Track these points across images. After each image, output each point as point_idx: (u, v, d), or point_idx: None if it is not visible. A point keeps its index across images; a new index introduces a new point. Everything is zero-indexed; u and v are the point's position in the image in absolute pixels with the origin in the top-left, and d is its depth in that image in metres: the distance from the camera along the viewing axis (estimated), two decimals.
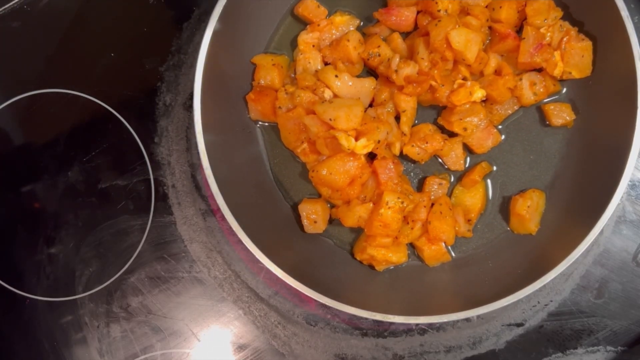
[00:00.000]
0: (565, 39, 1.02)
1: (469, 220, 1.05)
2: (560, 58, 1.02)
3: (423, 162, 1.06)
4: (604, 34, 1.01)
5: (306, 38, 1.06)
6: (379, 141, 0.98)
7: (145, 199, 1.10)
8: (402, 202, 0.99)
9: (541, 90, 1.03)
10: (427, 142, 1.02)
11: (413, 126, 1.05)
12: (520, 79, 1.03)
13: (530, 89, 1.03)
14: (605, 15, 0.97)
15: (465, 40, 0.98)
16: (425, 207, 1.02)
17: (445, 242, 1.04)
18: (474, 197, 1.06)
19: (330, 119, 0.96)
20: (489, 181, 1.07)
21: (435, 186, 1.05)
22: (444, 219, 1.02)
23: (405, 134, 1.03)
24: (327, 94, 1.02)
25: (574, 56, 1.02)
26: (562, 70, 1.03)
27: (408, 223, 1.03)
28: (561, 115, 1.05)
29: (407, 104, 1.03)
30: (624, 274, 1.09)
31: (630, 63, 0.95)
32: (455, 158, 1.05)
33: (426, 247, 1.04)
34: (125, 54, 1.13)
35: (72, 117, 1.12)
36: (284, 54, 1.09)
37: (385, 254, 1.02)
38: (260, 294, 1.09)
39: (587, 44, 1.02)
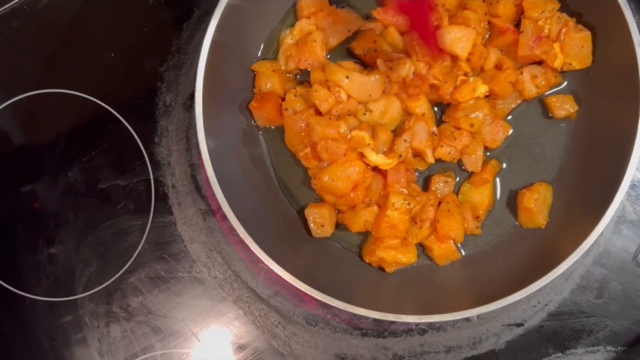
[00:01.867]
0: (563, 31, 1.03)
1: (477, 217, 1.05)
2: (560, 50, 1.03)
3: (455, 162, 1.05)
4: (602, 23, 1.01)
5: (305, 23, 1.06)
6: (400, 155, 1.00)
7: (145, 199, 1.10)
8: (409, 204, 0.99)
9: (543, 82, 1.03)
10: (455, 139, 1.02)
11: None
12: (521, 73, 1.03)
13: (531, 82, 1.03)
14: (603, 5, 0.97)
15: (455, 38, 0.98)
16: (432, 206, 1.02)
17: (454, 240, 1.04)
18: (482, 194, 1.05)
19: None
20: (497, 178, 1.07)
21: (441, 184, 1.05)
22: (452, 216, 1.02)
23: (436, 134, 1.03)
24: (343, 94, 1.01)
25: (574, 47, 1.02)
26: (562, 61, 1.03)
27: (416, 223, 1.03)
28: (564, 106, 1.05)
29: (422, 107, 1.02)
30: (624, 274, 1.09)
31: (631, 51, 0.94)
32: (475, 159, 1.04)
33: (435, 245, 1.03)
34: (125, 54, 1.13)
35: (72, 117, 1.12)
36: None
37: (394, 255, 1.01)
38: (260, 294, 1.09)
39: (586, 34, 1.02)
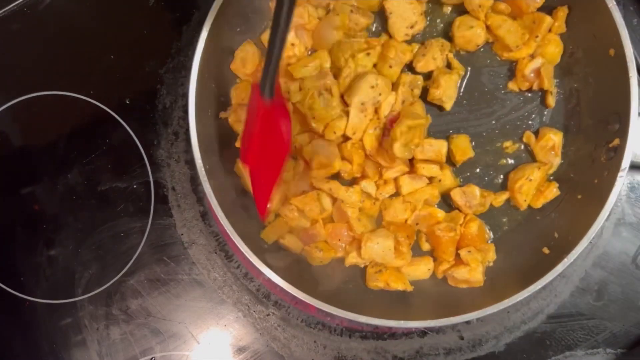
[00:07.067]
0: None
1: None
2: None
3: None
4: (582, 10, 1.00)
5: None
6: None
7: (145, 202, 1.10)
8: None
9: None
10: None
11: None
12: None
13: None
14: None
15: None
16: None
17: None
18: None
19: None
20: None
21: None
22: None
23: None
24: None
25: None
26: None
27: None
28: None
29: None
30: (623, 276, 1.09)
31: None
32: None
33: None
34: (125, 56, 1.13)
35: (71, 119, 1.12)
36: None
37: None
38: (259, 296, 1.09)
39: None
